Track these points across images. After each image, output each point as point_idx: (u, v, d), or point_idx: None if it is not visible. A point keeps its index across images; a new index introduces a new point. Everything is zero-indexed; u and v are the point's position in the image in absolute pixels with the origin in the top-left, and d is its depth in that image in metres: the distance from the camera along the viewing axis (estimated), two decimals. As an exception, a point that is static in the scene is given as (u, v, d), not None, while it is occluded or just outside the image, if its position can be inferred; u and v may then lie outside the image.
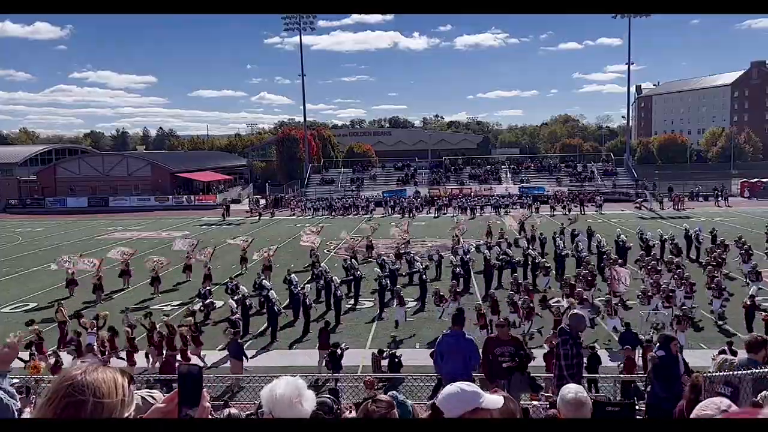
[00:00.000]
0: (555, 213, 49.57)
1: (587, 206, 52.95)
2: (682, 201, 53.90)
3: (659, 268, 22.26)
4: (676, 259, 24.42)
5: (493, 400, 2.56)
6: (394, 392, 4.26)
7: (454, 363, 8.51)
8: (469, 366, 8.70)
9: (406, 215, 51.71)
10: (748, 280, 21.38)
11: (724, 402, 2.63)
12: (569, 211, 50.18)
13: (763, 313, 16.90)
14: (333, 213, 55.50)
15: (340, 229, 41.94)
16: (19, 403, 3.13)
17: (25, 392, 9.51)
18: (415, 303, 22.03)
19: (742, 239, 26.55)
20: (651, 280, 20.10)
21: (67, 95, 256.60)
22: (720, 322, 18.63)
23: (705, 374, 6.16)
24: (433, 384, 12.57)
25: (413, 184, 67.53)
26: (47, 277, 28.50)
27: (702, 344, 17.03)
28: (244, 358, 15.68)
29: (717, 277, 20.38)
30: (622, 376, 13.33)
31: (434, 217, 51.10)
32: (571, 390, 3.69)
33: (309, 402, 2.45)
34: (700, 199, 58.53)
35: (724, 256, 24.44)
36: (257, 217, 53.18)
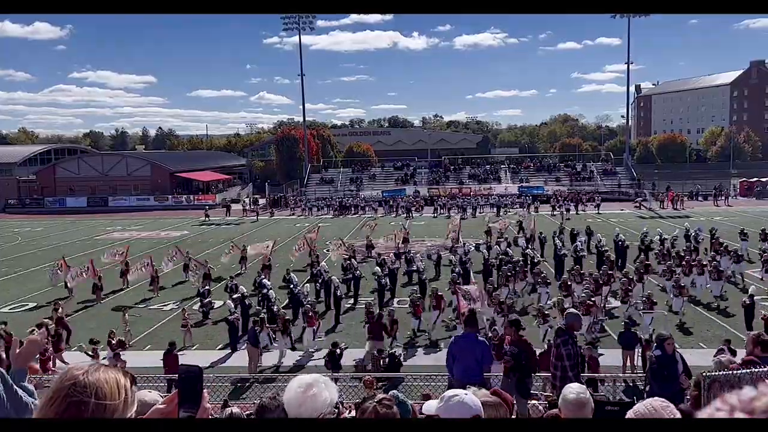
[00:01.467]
0: (555, 213, 49.67)
1: (586, 206, 53.07)
2: (681, 200, 53.84)
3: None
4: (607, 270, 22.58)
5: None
6: (394, 392, 4.26)
7: (467, 364, 8.53)
8: (481, 367, 8.74)
9: (404, 214, 51.80)
10: (672, 294, 20.09)
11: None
12: (567, 210, 50.22)
13: (763, 312, 16.89)
14: (335, 212, 55.50)
15: (340, 228, 41.97)
16: (37, 401, 3.13)
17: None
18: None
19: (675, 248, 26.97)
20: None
21: (66, 95, 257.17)
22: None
23: (704, 373, 6.16)
24: (432, 383, 12.58)
25: (413, 184, 67.57)
26: (46, 277, 28.48)
27: (702, 344, 17.04)
28: (260, 346, 16.18)
29: (630, 288, 19.70)
30: (620, 375, 13.36)
31: (433, 217, 51.05)
32: (573, 390, 3.68)
33: (322, 399, 2.43)
34: (700, 198, 58.54)
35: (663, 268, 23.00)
36: (255, 217, 53.12)
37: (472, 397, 2.67)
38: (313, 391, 2.42)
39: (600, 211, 50.33)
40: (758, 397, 0.99)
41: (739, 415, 0.98)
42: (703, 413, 1.04)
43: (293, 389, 2.45)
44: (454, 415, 2.55)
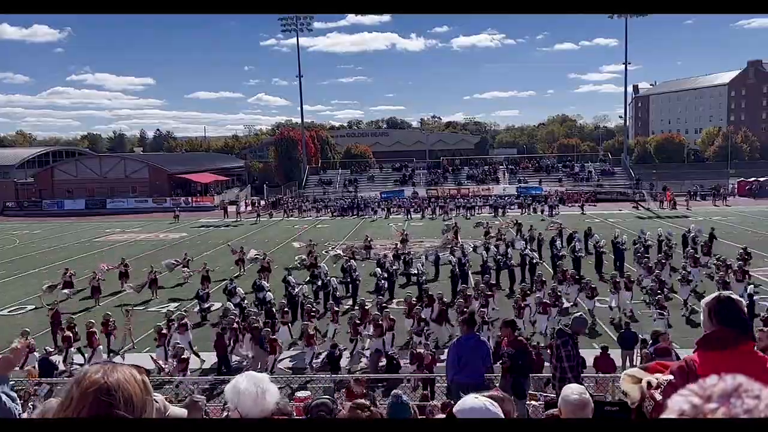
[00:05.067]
0: (551, 214, 49.74)
1: (576, 206, 53.08)
2: (688, 201, 53.88)
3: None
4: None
5: None
6: (396, 391, 4.26)
7: (472, 366, 8.54)
8: (484, 368, 8.77)
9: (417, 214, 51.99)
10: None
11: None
12: (541, 212, 50.42)
13: (762, 314, 16.84)
14: (334, 213, 55.48)
15: (339, 229, 41.81)
16: (20, 407, 3.11)
17: (23, 398, 9.49)
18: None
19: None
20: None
21: (64, 97, 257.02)
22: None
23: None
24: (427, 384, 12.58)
25: (411, 185, 67.57)
26: (45, 279, 28.42)
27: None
28: (268, 349, 16.18)
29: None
30: (619, 375, 13.33)
31: (431, 219, 51.02)
32: (575, 391, 3.70)
33: (272, 395, 2.53)
34: (698, 198, 58.62)
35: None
36: (255, 218, 53.04)
37: (487, 403, 2.66)
38: (267, 395, 2.51)
39: (584, 212, 49.71)
40: (717, 383, 1.04)
41: (696, 400, 1.03)
42: (671, 400, 1.08)
43: (245, 387, 2.50)
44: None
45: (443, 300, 18.53)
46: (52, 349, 16.35)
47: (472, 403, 2.51)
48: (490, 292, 20.06)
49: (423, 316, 17.63)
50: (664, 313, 17.30)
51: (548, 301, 18.31)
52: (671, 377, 2.78)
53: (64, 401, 1.54)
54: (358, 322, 17.15)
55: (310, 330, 16.55)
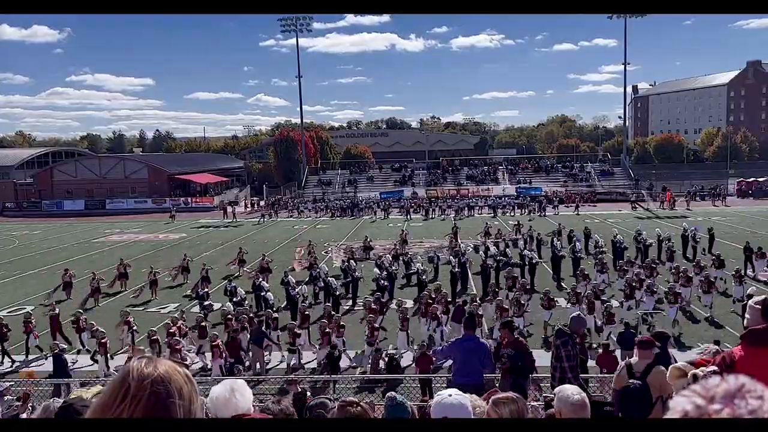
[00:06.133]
0: (544, 214, 49.76)
1: (569, 206, 53.05)
2: (688, 201, 53.87)
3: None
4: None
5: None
6: (392, 393, 4.25)
7: (470, 367, 8.54)
8: (482, 370, 8.78)
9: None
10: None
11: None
12: (530, 212, 50.41)
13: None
14: (333, 214, 55.47)
15: (338, 230, 41.68)
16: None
17: (23, 399, 9.45)
18: (413, 304, 21.99)
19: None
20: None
21: (63, 98, 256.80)
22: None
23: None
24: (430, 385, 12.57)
25: (410, 185, 67.59)
26: (44, 280, 28.43)
27: (700, 343, 17.03)
28: (264, 345, 16.27)
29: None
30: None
31: (424, 219, 51.07)
32: (575, 392, 3.70)
33: (244, 396, 2.68)
34: (697, 198, 58.64)
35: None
36: (257, 219, 53.02)
37: (464, 399, 2.70)
38: (236, 395, 2.65)
39: (579, 213, 49.51)
40: (720, 384, 1.03)
41: (699, 401, 1.02)
42: (673, 401, 1.07)
43: (219, 392, 2.68)
44: (446, 414, 2.56)
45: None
46: (65, 346, 16.34)
47: (448, 400, 2.55)
48: (450, 298, 19.74)
49: (376, 325, 17.09)
50: (614, 321, 17.17)
51: (506, 307, 17.87)
52: (715, 368, 2.83)
53: (117, 395, 1.50)
54: (298, 331, 16.72)
55: (214, 341, 15.69)
